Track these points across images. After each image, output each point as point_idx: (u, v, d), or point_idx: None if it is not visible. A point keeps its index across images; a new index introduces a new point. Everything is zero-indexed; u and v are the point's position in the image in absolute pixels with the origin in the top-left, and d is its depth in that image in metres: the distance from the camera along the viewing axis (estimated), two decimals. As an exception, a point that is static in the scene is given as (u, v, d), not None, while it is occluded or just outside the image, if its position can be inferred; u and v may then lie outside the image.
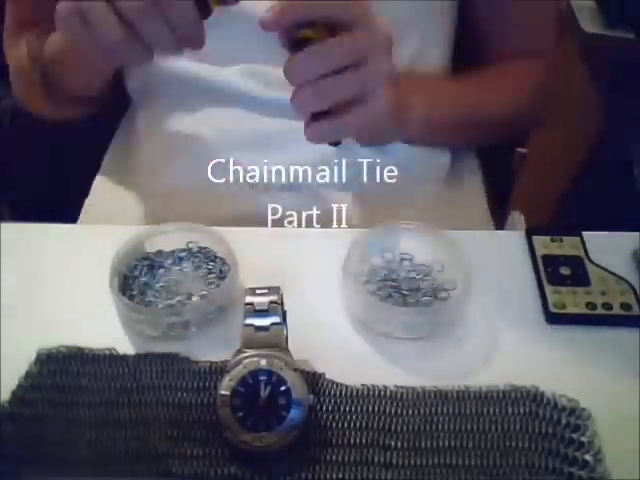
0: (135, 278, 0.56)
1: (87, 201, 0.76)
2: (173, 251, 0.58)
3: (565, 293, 0.55)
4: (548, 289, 0.56)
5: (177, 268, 0.57)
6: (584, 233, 0.60)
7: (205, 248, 0.58)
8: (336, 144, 0.56)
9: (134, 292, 0.55)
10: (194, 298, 0.55)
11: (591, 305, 0.54)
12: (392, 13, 0.63)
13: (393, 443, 0.46)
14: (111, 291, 0.53)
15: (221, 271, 0.57)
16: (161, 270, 0.57)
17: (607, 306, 0.54)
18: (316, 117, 0.53)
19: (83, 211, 0.75)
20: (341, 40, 0.50)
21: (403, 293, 0.55)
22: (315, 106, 0.52)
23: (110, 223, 0.66)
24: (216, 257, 0.58)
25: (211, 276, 0.56)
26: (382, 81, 0.54)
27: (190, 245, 0.59)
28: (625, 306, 0.54)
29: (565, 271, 0.57)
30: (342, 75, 0.51)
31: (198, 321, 0.53)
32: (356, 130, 0.56)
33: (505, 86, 0.74)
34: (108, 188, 0.76)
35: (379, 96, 0.54)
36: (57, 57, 0.68)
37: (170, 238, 0.58)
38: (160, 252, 0.58)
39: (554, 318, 0.54)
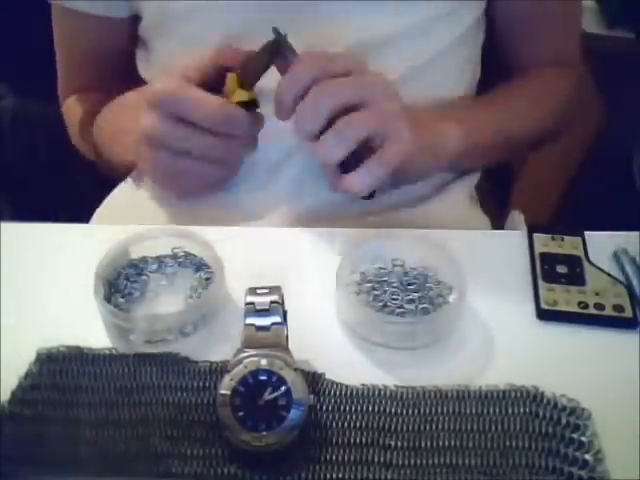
0: (119, 285, 0.56)
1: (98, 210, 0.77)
2: (158, 257, 0.58)
3: (558, 291, 0.55)
4: (542, 286, 0.56)
5: (162, 274, 0.57)
6: (585, 233, 0.60)
7: (191, 254, 0.58)
8: (370, 196, 0.58)
9: (118, 299, 0.55)
10: (178, 305, 0.54)
11: (583, 304, 0.54)
12: (424, 42, 0.65)
13: (393, 443, 0.46)
14: (95, 298, 0.52)
15: (206, 278, 0.56)
16: (146, 277, 0.57)
17: (599, 306, 0.54)
18: (345, 171, 0.56)
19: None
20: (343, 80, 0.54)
21: (398, 302, 0.54)
22: (339, 151, 0.54)
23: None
24: (202, 263, 0.57)
25: (196, 283, 0.56)
26: (398, 116, 0.56)
27: (175, 251, 0.58)
28: (617, 308, 0.54)
29: (562, 269, 0.57)
30: (356, 113, 0.54)
31: (182, 328, 0.53)
32: (391, 169, 0.56)
33: (540, 100, 0.74)
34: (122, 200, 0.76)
35: (401, 132, 0.55)
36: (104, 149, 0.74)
37: (156, 243, 0.58)
38: (145, 258, 0.58)
39: (544, 314, 0.54)
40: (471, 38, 0.72)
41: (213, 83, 0.59)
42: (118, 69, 0.77)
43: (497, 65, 0.77)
